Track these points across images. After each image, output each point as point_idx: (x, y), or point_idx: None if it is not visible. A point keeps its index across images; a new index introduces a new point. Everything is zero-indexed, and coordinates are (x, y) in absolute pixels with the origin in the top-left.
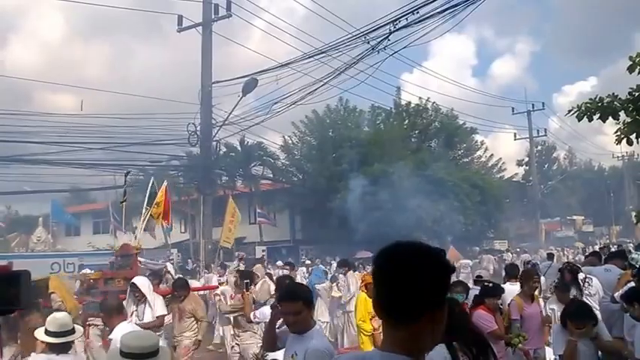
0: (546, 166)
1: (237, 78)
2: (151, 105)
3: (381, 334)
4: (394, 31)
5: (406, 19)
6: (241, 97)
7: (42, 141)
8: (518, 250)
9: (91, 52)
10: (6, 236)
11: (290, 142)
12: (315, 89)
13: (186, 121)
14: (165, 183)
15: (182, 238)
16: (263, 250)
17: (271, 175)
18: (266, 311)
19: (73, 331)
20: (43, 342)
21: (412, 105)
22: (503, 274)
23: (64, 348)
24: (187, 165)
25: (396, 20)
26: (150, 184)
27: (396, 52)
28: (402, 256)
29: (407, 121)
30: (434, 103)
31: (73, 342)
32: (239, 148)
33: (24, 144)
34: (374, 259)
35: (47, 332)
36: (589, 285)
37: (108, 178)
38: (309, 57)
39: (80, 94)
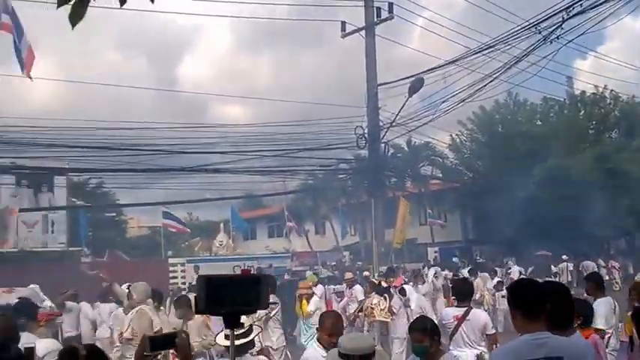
0: None
1: (403, 79)
2: (318, 111)
3: None
4: (568, 19)
5: (580, 4)
6: (408, 98)
7: (220, 151)
8: None
9: (259, 64)
10: (190, 241)
11: (458, 140)
12: (484, 85)
13: (353, 124)
14: None
15: (352, 240)
16: (435, 252)
17: (440, 175)
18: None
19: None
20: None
21: (587, 94)
22: None
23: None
24: (356, 168)
25: (569, 7)
26: None
27: (570, 42)
28: None
29: (582, 112)
30: (612, 90)
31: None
32: (406, 149)
33: (205, 154)
34: None
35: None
36: None
37: (279, 184)
38: (477, 52)
39: (250, 104)
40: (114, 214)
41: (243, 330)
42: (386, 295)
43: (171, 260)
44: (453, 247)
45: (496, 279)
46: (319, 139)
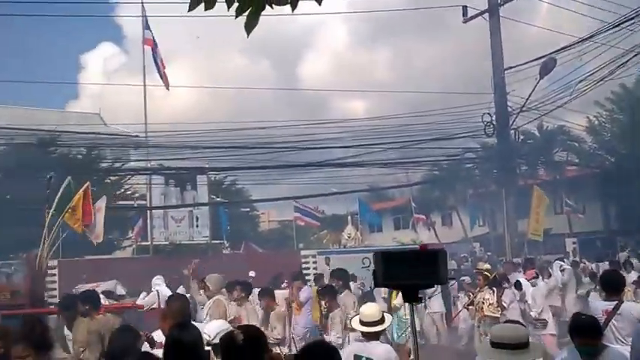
0: None
1: (532, 61)
2: (441, 100)
3: None
4: None
5: None
6: (539, 80)
7: (344, 145)
8: None
9: (379, 56)
10: (319, 234)
11: (596, 122)
12: (626, 61)
13: (479, 112)
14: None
15: (481, 231)
16: (574, 243)
17: (577, 161)
18: None
19: (382, 321)
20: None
21: None
22: None
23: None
24: (484, 156)
25: None
26: (64, 185)
27: None
28: None
29: None
30: None
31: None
32: (538, 135)
33: (328, 149)
34: None
35: (361, 322)
36: None
37: (402, 176)
38: (615, 26)
39: (371, 97)
40: (248, 209)
41: (378, 318)
42: (494, 288)
43: (303, 252)
44: (594, 237)
45: (634, 273)
46: (443, 129)
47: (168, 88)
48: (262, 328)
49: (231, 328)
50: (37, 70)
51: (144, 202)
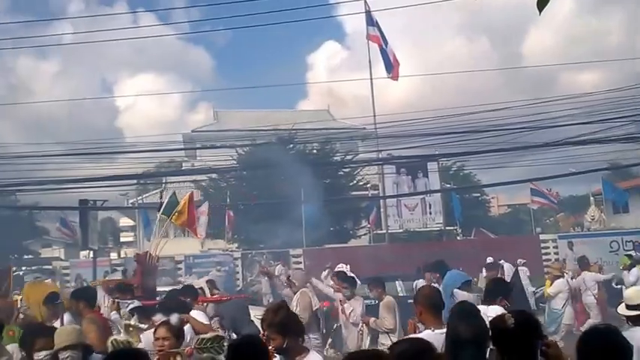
0: None
1: None
2: None
3: None
4: None
5: None
6: None
7: (578, 122)
8: None
9: (609, 23)
10: (555, 216)
11: None
12: None
13: None
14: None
15: None
16: None
17: None
18: None
19: None
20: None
21: None
22: None
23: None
24: None
25: None
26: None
27: None
28: None
29: None
30: None
31: None
32: None
33: (560, 127)
34: None
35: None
36: None
37: None
38: None
39: (602, 68)
40: (478, 195)
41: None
42: None
43: (542, 236)
44: None
45: None
46: None
47: (397, 79)
48: (372, 319)
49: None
50: (268, 76)
51: (376, 192)
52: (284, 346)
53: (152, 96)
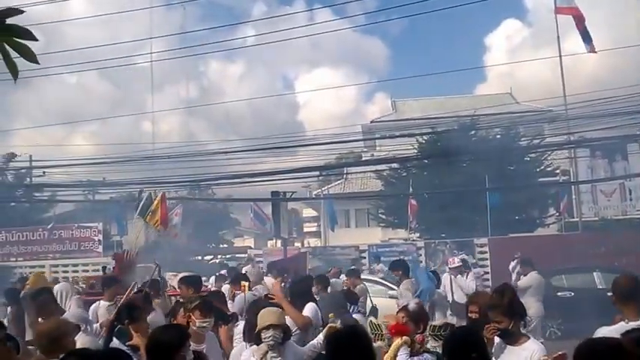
0: None
1: None
2: None
3: None
4: None
5: None
6: None
7: None
8: None
9: None
10: None
11: None
12: None
13: None
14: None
15: None
16: None
17: None
18: None
19: None
20: None
21: None
22: None
23: None
24: None
25: None
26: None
27: None
28: None
29: None
30: None
31: None
32: None
33: None
34: None
35: None
36: None
37: None
38: None
39: None
40: None
41: None
42: None
43: None
44: None
45: None
46: None
47: (595, 51)
48: None
49: None
50: (444, 61)
51: (567, 178)
52: (510, 328)
53: (329, 90)
